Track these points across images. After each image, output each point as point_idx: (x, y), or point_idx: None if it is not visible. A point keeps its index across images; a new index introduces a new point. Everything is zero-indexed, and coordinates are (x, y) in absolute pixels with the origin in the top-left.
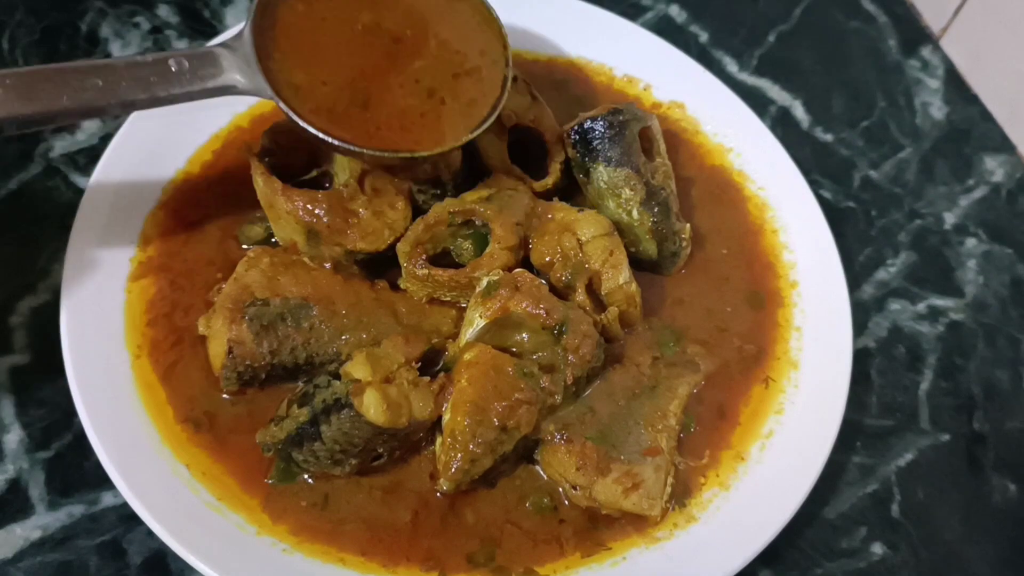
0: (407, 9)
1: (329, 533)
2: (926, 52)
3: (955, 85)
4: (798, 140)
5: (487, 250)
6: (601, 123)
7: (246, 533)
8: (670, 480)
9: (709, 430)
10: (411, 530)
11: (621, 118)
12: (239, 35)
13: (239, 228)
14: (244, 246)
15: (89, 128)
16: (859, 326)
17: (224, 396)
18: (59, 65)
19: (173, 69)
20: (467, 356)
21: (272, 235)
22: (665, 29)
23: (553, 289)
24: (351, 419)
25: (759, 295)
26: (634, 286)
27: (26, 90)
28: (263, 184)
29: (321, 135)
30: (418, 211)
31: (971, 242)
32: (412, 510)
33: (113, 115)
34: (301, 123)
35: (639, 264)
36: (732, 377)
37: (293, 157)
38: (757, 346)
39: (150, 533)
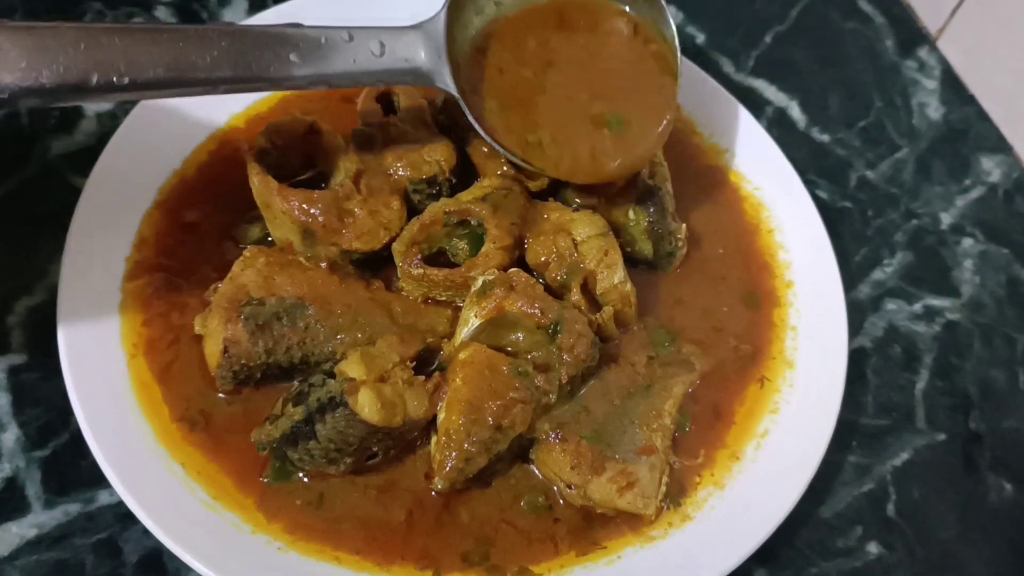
0: (612, 82)
1: (323, 532)
2: (923, 52)
3: (952, 85)
4: (794, 140)
5: (482, 250)
6: None
7: (241, 532)
8: (665, 479)
9: (704, 429)
10: (406, 529)
11: None
12: (431, 20)
13: (236, 228)
14: (241, 245)
15: (87, 129)
16: (855, 326)
17: (220, 395)
18: (268, 28)
19: (375, 52)
20: (462, 355)
21: (269, 235)
22: None
23: (548, 289)
24: (346, 418)
25: (755, 295)
26: (629, 286)
27: (239, 56)
28: (259, 184)
29: (496, 145)
30: (413, 211)
31: (967, 242)
32: (407, 509)
33: (308, 87)
34: (480, 129)
35: (635, 263)
36: (728, 377)
37: (289, 157)
38: (753, 346)
39: (146, 532)
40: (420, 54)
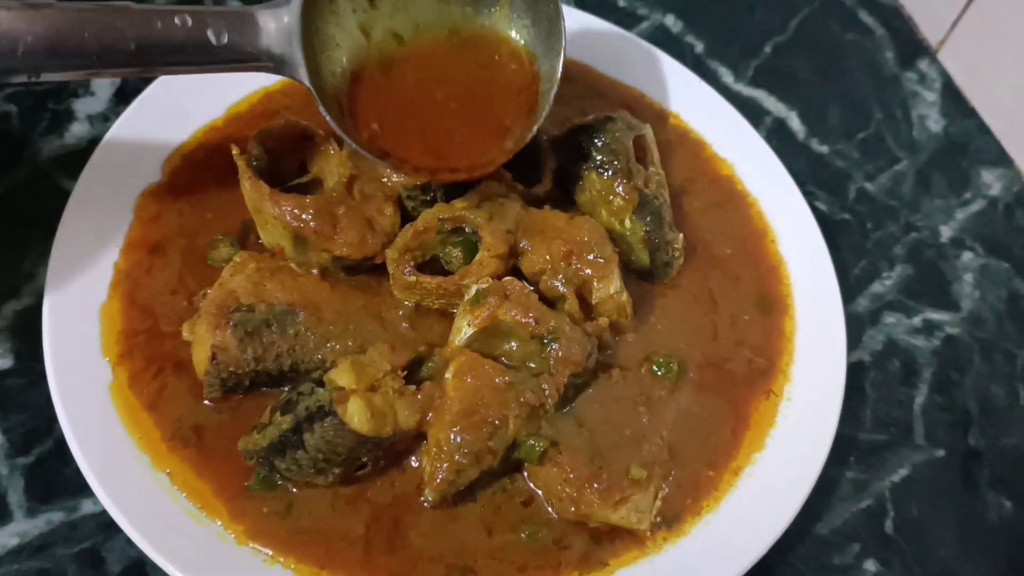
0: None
1: (285, 541)
2: (923, 65)
3: (952, 98)
4: (793, 151)
5: (476, 258)
6: (594, 131)
7: (226, 542)
8: (660, 493)
9: (700, 442)
10: (385, 546)
11: (614, 126)
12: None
13: (207, 248)
14: (210, 263)
15: (77, 132)
16: (854, 339)
17: (206, 403)
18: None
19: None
20: (454, 365)
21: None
22: (660, 39)
23: (543, 298)
24: (334, 427)
25: (767, 299)
26: (625, 296)
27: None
28: (250, 188)
29: (348, 139)
30: (407, 217)
31: (967, 256)
32: (382, 526)
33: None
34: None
35: (632, 271)
36: (726, 389)
37: (282, 162)
38: (767, 360)
39: (129, 542)
40: (269, 41)
